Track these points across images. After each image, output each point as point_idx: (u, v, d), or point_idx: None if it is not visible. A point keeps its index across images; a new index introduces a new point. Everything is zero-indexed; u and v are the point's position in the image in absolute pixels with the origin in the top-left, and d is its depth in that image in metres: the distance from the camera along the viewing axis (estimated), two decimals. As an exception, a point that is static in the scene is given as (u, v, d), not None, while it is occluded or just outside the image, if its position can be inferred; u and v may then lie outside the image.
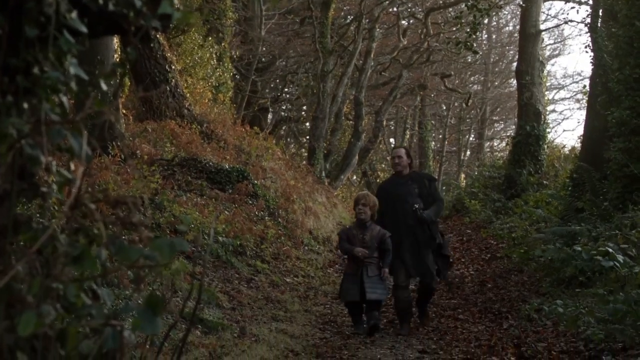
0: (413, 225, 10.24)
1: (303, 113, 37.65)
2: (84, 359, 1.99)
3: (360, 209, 10.42)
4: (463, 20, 21.04)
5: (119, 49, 14.87)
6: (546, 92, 26.49)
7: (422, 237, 10.26)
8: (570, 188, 15.29)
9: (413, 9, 34.41)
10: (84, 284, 2.06)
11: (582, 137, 16.84)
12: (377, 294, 10.16)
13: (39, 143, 2.06)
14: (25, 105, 2.16)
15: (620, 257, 8.59)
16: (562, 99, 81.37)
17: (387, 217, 10.40)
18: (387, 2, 30.51)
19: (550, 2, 72.89)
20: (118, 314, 2.04)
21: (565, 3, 50.58)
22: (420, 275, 10.32)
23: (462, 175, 44.57)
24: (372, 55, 30.23)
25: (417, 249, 10.24)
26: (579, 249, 9.96)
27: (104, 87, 2.32)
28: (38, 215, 2.21)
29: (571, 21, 57.80)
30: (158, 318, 1.99)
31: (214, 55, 22.31)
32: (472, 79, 47.83)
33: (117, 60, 13.74)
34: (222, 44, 23.32)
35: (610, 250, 8.69)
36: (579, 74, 62.73)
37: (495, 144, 53.78)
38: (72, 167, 2.17)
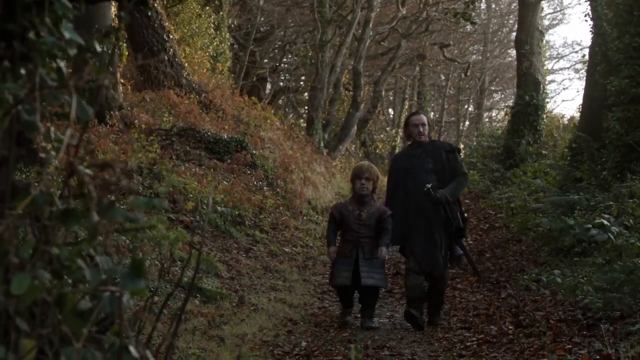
0: (425, 206, 8.77)
1: (302, 83, 37.58)
2: (82, 323, 2.00)
3: (363, 183, 9.10)
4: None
5: (116, 18, 14.81)
6: (545, 62, 26.44)
7: (436, 220, 8.81)
8: (568, 158, 15.29)
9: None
10: (81, 248, 2.06)
11: (581, 107, 16.81)
12: (374, 279, 8.94)
13: (35, 108, 2.05)
14: (22, 71, 2.15)
15: (615, 229, 8.60)
16: (562, 69, 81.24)
17: (397, 196, 9.04)
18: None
19: (550, -29, 72.39)
20: (115, 279, 2.04)
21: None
22: (430, 267, 8.83)
23: (461, 146, 44.52)
24: (370, 25, 30.09)
25: (429, 235, 8.81)
26: (572, 222, 9.96)
27: (98, 48, 2.30)
28: (36, 183, 2.21)
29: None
30: (141, 279, 2.00)
31: (212, 25, 22.23)
32: (471, 48, 47.70)
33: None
34: (220, 13, 23.24)
35: (605, 222, 8.68)
36: (578, 44, 62.65)
37: (494, 114, 53.75)
38: (69, 132, 2.17)
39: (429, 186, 8.65)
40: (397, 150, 40.14)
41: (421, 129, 8.97)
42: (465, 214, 9.25)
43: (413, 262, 8.85)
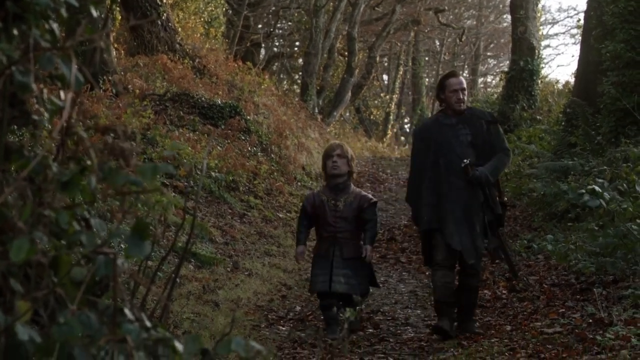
0: (462, 187, 7.19)
1: (296, 49, 37.42)
2: (77, 286, 2.00)
3: (335, 161, 7.56)
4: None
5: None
6: (540, 27, 26.32)
7: (474, 204, 7.23)
8: (563, 123, 15.28)
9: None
10: (76, 211, 2.06)
11: (576, 72, 16.78)
12: (349, 285, 7.36)
13: (29, 69, 2.04)
14: (15, 32, 2.13)
15: (607, 194, 8.62)
16: (557, 34, 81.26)
17: (427, 175, 7.34)
18: None
19: (546, -64, 72.17)
20: (109, 242, 2.04)
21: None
22: (465, 251, 7.14)
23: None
24: (365, -10, 29.95)
25: (465, 219, 7.19)
26: (565, 188, 9.97)
27: (94, 13, 2.29)
28: (30, 146, 2.20)
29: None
30: (146, 242, 1.99)
31: (206, -11, 22.10)
32: (466, 14, 47.48)
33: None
34: (214, -22, 23.08)
35: (597, 188, 8.67)
36: (574, 8, 62.55)
37: (489, 79, 53.71)
38: (62, 95, 2.16)
39: (467, 161, 7.14)
40: (391, 117, 40.07)
41: (461, 96, 7.35)
42: (506, 198, 7.79)
43: (442, 254, 7.22)
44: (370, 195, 7.79)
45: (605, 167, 10.44)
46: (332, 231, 7.51)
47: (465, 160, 7.12)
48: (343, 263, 7.40)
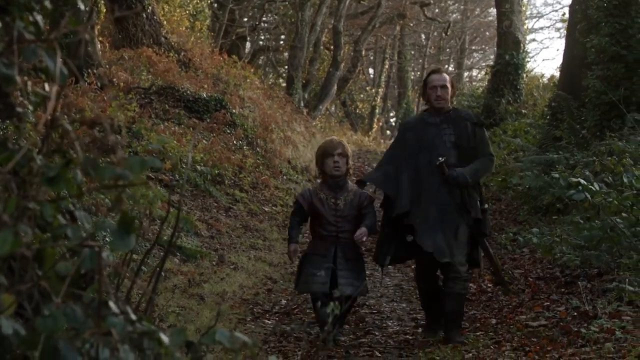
0: (440, 186, 6.85)
1: (281, 42, 37.39)
2: (61, 280, 1.99)
3: (337, 161, 7.14)
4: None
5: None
6: (526, 21, 26.36)
7: (451, 204, 6.86)
8: (548, 117, 15.31)
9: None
10: (61, 204, 2.05)
11: (561, 66, 16.81)
12: (353, 286, 6.84)
13: (13, 62, 2.02)
14: (-1, 24, 2.12)
15: (594, 186, 8.63)
16: (542, 28, 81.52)
17: (405, 173, 7.00)
18: None
19: None
20: (95, 235, 2.03)
21: None
22: (436, 251, 6.72)
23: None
24: (351, -17, 29.92)
25: (441, 219, 6.81)
26: (557, 175, 9.99)
27: (81, 5, 2.27)
28: (14, 138, 2.18)
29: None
30: (131, 236, 1.98)
31: (191, -18, 22.05)
32: (451, 7, 47.55)
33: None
34: (199, -29, 23.02)
35: (582, 181, 8.65)
36: (559, 2, 62.78)
37: (475, 73, 53.77)
38: (47, 87, 2.14)
39: (442, 159, 6.80)
40: (377, 111, 40.09)
41: (440, 92, 7.03)
42: (486, 205, 7.27)
43: (422, 263, 7.12)
44: (367, 192, 7.36)
45: (593, 158, 10.46)
46: (333, 231, 7.09)
47: (440, 158, 6.80)
48: (345, 264, 7.00)
